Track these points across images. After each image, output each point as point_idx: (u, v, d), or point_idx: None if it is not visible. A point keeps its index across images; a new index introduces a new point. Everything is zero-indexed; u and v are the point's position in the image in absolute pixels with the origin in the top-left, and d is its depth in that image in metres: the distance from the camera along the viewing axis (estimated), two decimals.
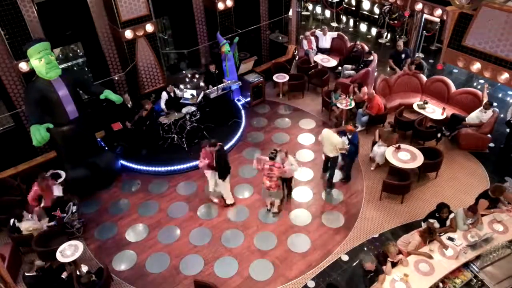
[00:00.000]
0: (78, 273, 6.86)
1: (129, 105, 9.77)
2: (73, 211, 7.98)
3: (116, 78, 10.41)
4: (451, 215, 7.11)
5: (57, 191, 7.99)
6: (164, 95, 10.26)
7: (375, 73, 12.23)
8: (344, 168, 9.07)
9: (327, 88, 11.71)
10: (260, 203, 8.71)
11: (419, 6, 11.53)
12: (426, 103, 10.18)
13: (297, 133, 10.67)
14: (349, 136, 8.61)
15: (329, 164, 8.88)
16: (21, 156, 9.37)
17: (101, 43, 10.06)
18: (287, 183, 8.55)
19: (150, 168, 9.58)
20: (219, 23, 11.24)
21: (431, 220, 7.09)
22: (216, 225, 8.29)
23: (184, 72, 11.83)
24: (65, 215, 7.86)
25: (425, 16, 13.02)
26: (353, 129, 8.60)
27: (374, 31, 16.11)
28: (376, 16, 16.20)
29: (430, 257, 6.48)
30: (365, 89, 10.64)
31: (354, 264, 7.37)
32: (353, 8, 17.24)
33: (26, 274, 6.58)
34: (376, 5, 16.09)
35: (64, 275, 6.77)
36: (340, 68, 12.58)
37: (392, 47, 14.89)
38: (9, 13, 8.10)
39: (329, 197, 8.81)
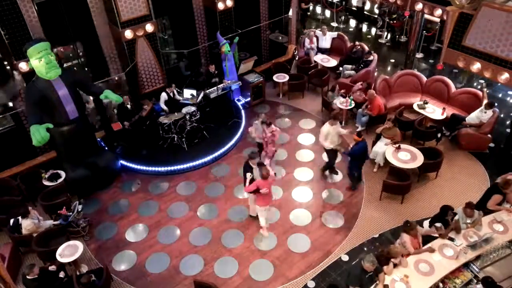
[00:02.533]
0: (78, 273, 6.86)
1: (128, 107, 9.76)
2: (79, 210, 8.00)
3: (116, 78, 10.41)
4: (456, 217, 7.08)
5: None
6: (164, 96, 10.26)
7: (375, 73, 12.22)
8: (349, 174, 8.91)
9: (327, 88, 11.71)
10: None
11: (419, 6, 11.51)
12: (426, 103, 10.18)
13: (297, 133, 10.67)
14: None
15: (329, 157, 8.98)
16: (21, 156, 9.36)
17: (101, 43, 10.05)
18: None
19: (150, 168, 9.57)
20: (219, 23, 11.24)
21: (437, 225, 7.05)
22: (216, 225, 8.29)
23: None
24: (70, 213, 7.87)
25: (425, 16, 13.02)
26: (359, 139, 8.26)
27: (374, 31, 16.09)
28: (376, 16, 16.20)
29: (432, 250, 6.50)
30: (371, 91, 10.57)
31: (354, 262, 7.36)
32: (354, 8, 17.24)
33: (27, 277, 6.56)
34: (376, 5, 16.08)
35: (62, 274, 6.75)
36: (340, 68, 12.57)
37: (392, 47, 14.92)
38: (9, 13, 8.10)
39: (328, 179, 9.11)
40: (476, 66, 8.15)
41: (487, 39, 7.80)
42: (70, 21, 9.38)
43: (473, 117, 9.58)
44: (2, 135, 9.15)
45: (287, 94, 12.09)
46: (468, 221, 6.94)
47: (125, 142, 9.92)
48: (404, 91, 11.23)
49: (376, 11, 16.25)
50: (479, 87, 11.79)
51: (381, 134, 9.24)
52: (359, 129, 10.52)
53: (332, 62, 12.44)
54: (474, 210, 6.94)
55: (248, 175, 7.56)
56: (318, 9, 17.89)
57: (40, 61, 7.67)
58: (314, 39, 12.91)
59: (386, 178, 8.53)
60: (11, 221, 7.63)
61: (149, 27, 10.00)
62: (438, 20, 13.26)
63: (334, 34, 13.33)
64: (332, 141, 8.68)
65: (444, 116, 9.87)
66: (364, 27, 16.58)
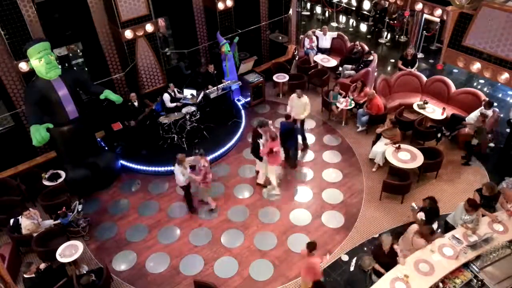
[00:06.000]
0: (77, 273, 6.86)
1: (135, 104, 9.78)
2: (79, 210, 8.01)
3: (117, 77, 10.41)
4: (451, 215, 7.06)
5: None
6: (167, 96, 10.25)
7: (375, 73, 12.23)
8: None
9: (327, 88, 11.71)
10: (260, 203, 8.70)
11: (419, 6, 11.54)
12: (426, 103, 10.18)
13: None
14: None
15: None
16: (21, 156, 9.36)
17: (101, 43, 10.05)
18: None
19: (150, 168, 9.58)
20: (219, 23, 11.24)
21: (420, 213, 7.06)
22: (216, 225, 8.29)
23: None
24: (70, 213, 7.87)
25: (425, 16, 13.04)
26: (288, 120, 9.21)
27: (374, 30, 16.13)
28: (369, 13, 16.27)
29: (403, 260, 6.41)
30: (367, 89, 10.63)
31: (353, 265, 7.36)
32: (353, 8, 17.25)
33: (25, 276, 6.57)
34: (373, 1, 16.10)
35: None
36: (340, 68, 12.57)
37: (392, 47, 14.93)
38: (9, 13, 8.10)
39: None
40: (476, 66, 8.17)
41: (487, 39, 7.81)
42: (70, 21, 9.38)
43: (473, 117, 9.57)
44: (2, 135, 9.17)
45: (287, 94, 12.08)
46: (466, 217, 6.87)
47: (125, 142, 9.92)
48: (404, 91, 11.23)
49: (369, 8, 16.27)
50: (479, 87, 11.78)
51: (381, 134, 9.25)
52: (360, 129, 10.54)
53: (332, 62, 12.44)
54: (476, 210, 6.85)
55: (261, 140, 8.43)
56: (318, 9, 17.91)
57: (40, 61, 7.68)
58: (314, 39, 12.91)
59: (386, 178, 8.53)
60: (11, 221, 7.64)
61: (149, 27, 10.00)
62: (438, 20, 13.28)
63: (334, 34, 13.33)
64: (296, 113, 9.52)
65: (444, 116, 9.87)
66: (364, 27, 16.58)
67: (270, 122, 8.83)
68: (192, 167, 8.24)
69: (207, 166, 8.06)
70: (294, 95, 9.68)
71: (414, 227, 6.72)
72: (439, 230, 7.19)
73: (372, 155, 9.38)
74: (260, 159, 8.67)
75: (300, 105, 9.56)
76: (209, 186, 8.29)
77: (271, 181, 8.75)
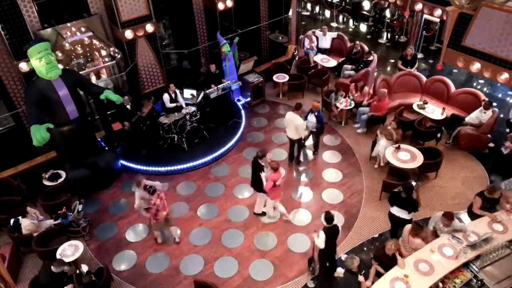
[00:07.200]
0: (78, 273, 6.87)
1: (128, 107, 9.77)
2: (79, 209, 8.02)
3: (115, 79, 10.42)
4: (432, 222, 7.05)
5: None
6: (166, 97, 10.25)
7: (375, 73, 12.23)
8: (315, 144, 9.87)
9: (327, 88, 11.72)
10: None
11: (419, 6, 11.55)
12: (426, 103, 10.19)
13: None
14: (316, 114, 9.17)
15: (295, 147, 9.36)
16: (22, 156, 9.37)
17: None
18: None
19: (150, 168, 9.58)
20: (219, 23, 11.25)
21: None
22: (216, 225, 8.30)
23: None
24: (70, 213, 7.88)
25: (425, 16, 13.05)
26: (317, 105, 9.24)
27: (374, 31, 16.12)
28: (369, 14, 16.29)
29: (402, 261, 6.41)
30: (366, 89, 10.64)
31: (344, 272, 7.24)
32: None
33: (52, 269, 6.51)
34: (373, 1, 16.12)
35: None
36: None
37: (392, 47, 14.94)
38: (9, 13, 8.11)
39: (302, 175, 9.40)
40: (476, 66, 8.17)
41: (487, 39, 7.82)
42: (70, 21, 9.40)
43: (472, 117, 9.58)
44: (2, 135, 9.17)
45: (287, 94, 12.10)
46: (445, 229, 6.81)
47: (125, 142, 9.93)
48: (404, 91, 11.23)
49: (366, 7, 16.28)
50: (478, 87, 11.82)
51: (382, 133, 9.20)
52: (359, 130, 10.53)
53: (332, 62, 12.45)
54: (453, 221, 6.77)
55: (263, 174, 7.76)
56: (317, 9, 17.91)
57: (40, 61, 7.67)
58: (314, 39, 12.92)
59: (386, 178, 8.54)
60: (11, 221, 7.64)
61: (149, 27, 10.01)
62: (438, 20, 13.29)
63: (334, 34, 13.34)
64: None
65: (443, 116, 9.87)
66: (364, 27, 16.59)
67: (268, 154, 8.10)
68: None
69: (158, 204, 7.31)
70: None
71: (409, 227, 6.73)
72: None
73: (375, 154, 9.33)
74: (263, 192, 7.89)
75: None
76: (159, 222, 7.56)
77: (268, 212, 8.29)
